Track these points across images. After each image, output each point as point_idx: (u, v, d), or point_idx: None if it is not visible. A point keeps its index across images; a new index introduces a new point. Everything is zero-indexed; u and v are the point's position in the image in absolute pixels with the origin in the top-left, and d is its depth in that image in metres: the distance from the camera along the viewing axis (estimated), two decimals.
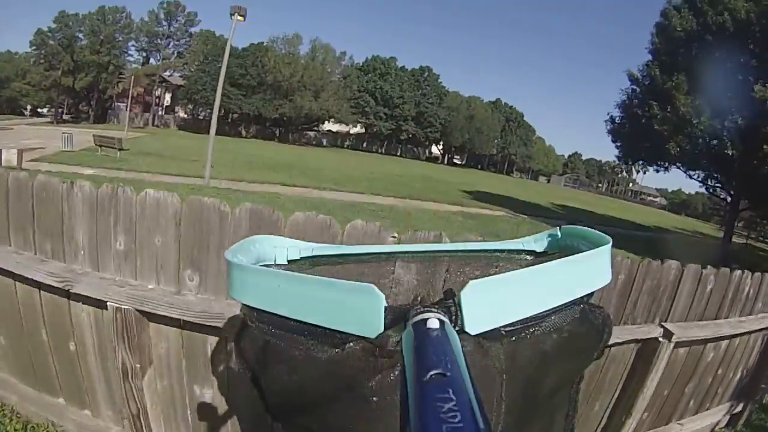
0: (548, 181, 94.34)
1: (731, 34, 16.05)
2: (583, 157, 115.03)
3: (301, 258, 0.63)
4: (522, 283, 0.41)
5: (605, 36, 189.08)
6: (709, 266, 2.85)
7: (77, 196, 2.03)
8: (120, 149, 19.26)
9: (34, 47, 55.26)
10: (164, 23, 60.30)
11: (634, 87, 20.82)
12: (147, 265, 1.97)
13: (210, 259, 1.89)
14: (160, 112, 61.92)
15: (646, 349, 2.59)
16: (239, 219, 1.83)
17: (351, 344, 0.41)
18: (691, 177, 21.45)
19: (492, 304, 0.39)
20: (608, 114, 22.25)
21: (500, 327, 0.40)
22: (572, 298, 0.44)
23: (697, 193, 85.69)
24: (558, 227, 0.63)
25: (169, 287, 1.96)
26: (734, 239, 22.21)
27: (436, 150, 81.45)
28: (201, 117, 58.15)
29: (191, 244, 1.90)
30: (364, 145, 71.25)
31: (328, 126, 69.89)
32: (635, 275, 2.42)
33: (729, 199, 20.34)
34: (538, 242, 0.64)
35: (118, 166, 16.30)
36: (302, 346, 0.44)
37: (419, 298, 0.46)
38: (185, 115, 62.40)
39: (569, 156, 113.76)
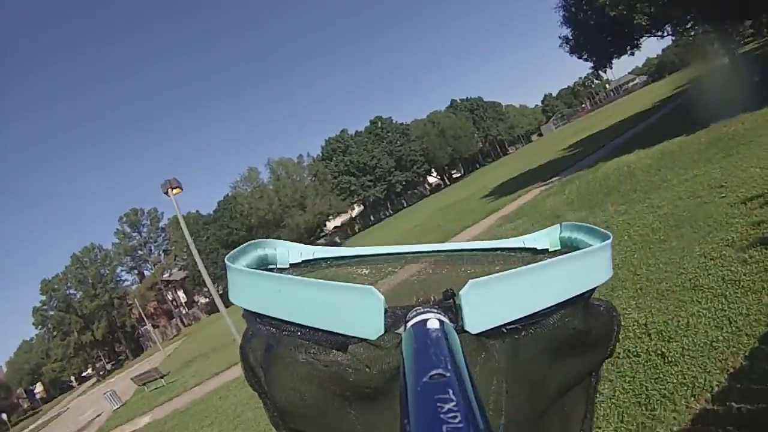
0: (540, 135, 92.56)
1: None
2: (554, 93, 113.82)
3: (303, 261, 0.62)
4: (522, 281, 0.41)
5: None
6: None
7: None
8: (162, 377, 18.48)
9: (39, 326, 56.50)
10: (134, 234, 61.55)
11: None
12: None
13: None
14: (184, 311, 61.85)
15: None
16: None
17: (353, 346, 0.42)
18: (663, 37, 20.47)
19: (492, 302, 0.40)
20: (559, 37, 21.11)
21: (501, 326, 0.41)
22: (574, 295, 0.44)
23: (663, 50, 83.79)
24: (559, 224, 0.62)
25: None
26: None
27: (432, 179, 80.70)
28: (220, 292, 58.27)
29: None
30: (371, 218, 70.56)
31: (332, 224, 69.57)
32: None
33: (710, 27, 19.36)
34: (538, 239, 0.63)
35: (168, 395, 15.27)
36: (304, 349, 0.44)
37: (419, 299, 0.46)
38: (207, 299, 62.10)
39: (542, 101, 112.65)
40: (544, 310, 0.42)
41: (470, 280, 0.39)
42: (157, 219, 62.49)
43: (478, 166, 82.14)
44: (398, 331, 0.40)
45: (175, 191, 13.42)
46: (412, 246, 0.63)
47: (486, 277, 0.40)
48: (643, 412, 2.80)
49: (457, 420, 0.24)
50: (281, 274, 0.49)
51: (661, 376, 3.01)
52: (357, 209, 71.25)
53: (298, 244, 0.62)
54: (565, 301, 0.43)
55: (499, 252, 0.62)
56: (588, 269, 0.45)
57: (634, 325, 3.77)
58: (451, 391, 0.27)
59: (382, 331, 0.39)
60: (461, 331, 0.39)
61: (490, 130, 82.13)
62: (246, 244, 0.55)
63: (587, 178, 11.82)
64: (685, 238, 5.03)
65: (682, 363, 3.03)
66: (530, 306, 0.41)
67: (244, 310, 0.46)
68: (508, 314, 0.40)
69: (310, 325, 0.42)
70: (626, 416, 2.83)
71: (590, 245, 0.49)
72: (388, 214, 69.78)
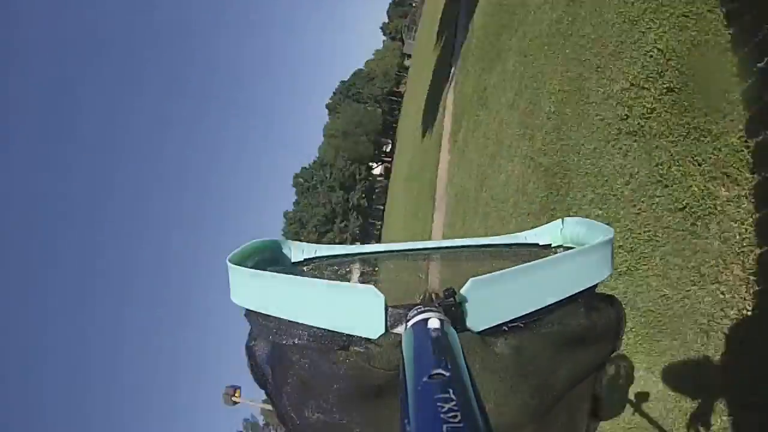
0: (409, 57, 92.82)
1: None
2: (386, 19, 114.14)
3: (305, 260, 0.62)
4: (523, 279, 0.41)
5: None
6: None
7: None
8: None
9: None
10: None
11: None
12: None
13: None
14: None
15: None
16: None
17: (354, 346, 0.42)
18: None
19: (493, 300, 0.40)
20: None
21: (502, 324, 0.40)
22: (575, 291, 0.43)
23: None
24: (560, 220, 0.62)
25: None
26: None
27: (377, 170, 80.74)
28: None
29: None
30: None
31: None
32: None
33: None
34: (540, 235, 0.64)
35: None
36: (307, 348, 0.44)
37: (420, 298, 0.46)
38: None
39: (385, 33, 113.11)
40: (546, 307, 0.41)
41: (471, 279, 0.39)
42: (257, 427, 61.86)
43: (394, 125, 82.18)
44: (399, 330, 0.39)
45: (237, 395, 12.65)
46: (412, 243, 0.62)
47: (487, 275, 0.39)
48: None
49: (457, 419, 0.24)
50: (283, 274, 0.49)
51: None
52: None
53: (299, 242, 0.61)
54: (567, 298, 0.42)
55: (501, 249, 0.61)
56: (590, 265, 0.44)
57: (641, 98, 3.21)
58: (451, 391, 0.26)
59: (383, 331, 0.39)
60: (462, 329, 0.38)
61: (374, 93, 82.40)
62: (249, 243, 0.53)
63: (473, 43, 11.27)
64: (597, 7, 4.45)
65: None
66: (532, 303, 0.40)
67: (246, 309, 0.46)
68: (510, 312, 0.40)
69: (312, 324, 0.41)
70: (704, 159, 2.26)
71: (592, 241, 0.48)
72: (378, 228, 69.42)
